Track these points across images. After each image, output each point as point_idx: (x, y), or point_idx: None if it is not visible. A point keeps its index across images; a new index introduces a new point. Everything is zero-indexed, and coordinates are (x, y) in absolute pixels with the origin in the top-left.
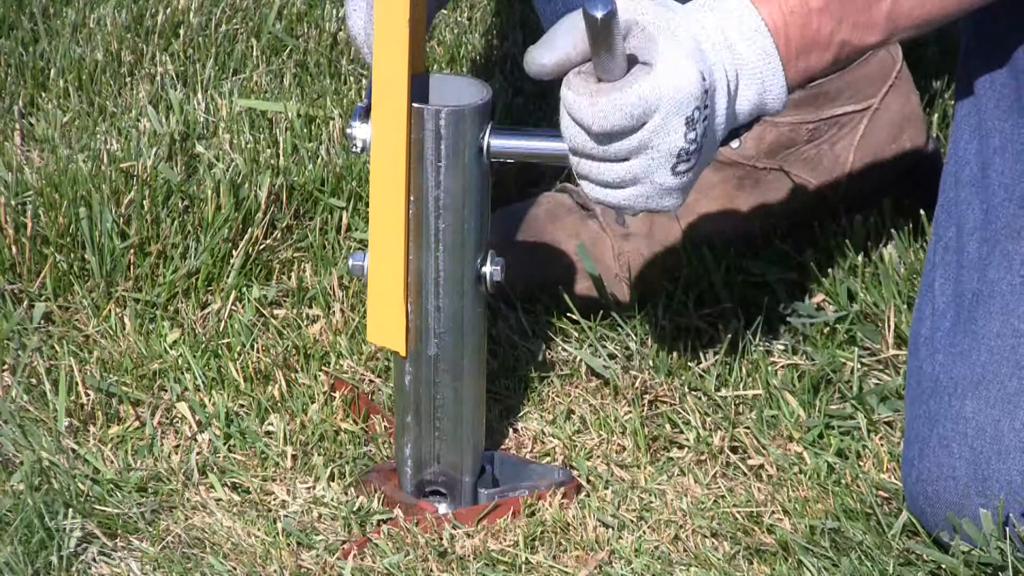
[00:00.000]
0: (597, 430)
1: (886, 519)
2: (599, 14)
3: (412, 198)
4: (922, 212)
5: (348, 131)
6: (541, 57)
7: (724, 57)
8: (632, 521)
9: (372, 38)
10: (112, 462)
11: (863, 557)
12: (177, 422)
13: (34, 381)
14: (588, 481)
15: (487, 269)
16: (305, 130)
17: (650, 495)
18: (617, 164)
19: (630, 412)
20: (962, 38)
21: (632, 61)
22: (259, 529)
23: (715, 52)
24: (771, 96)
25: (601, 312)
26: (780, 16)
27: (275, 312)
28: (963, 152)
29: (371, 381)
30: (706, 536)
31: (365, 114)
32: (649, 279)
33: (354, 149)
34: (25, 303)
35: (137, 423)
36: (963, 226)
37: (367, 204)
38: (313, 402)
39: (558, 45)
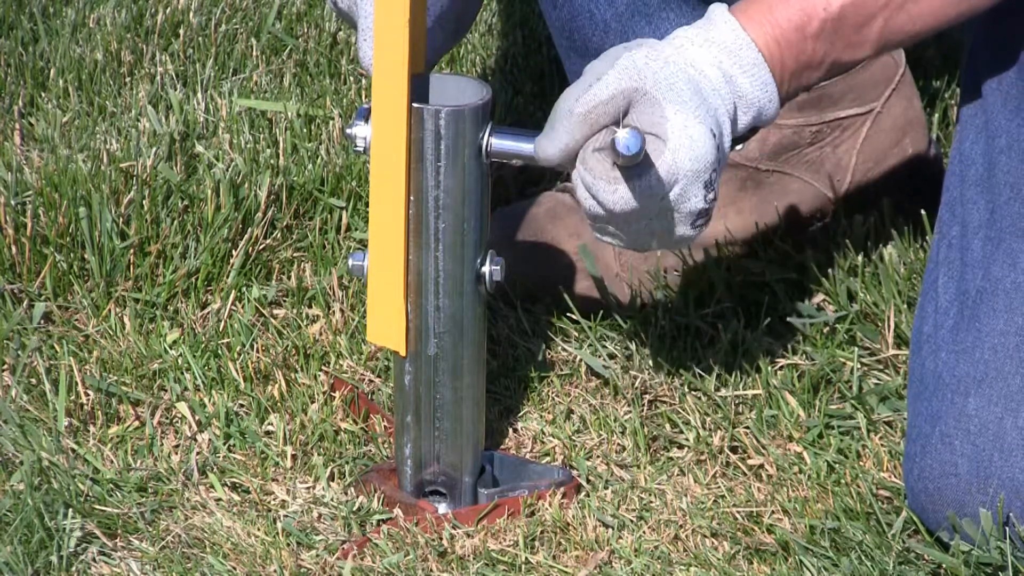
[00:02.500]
0: (597, 430)
1: (886, 519)
2: (635, 152)
3: (412, 198)
4: (923, 213)
5: (348, 131)
6: (546, 150)
7: (725, 96)
8: (632, 521)
9: None
10: (112, 462)
11: (863, 557)
12: (177, 422)
13: (34, 381)
14: (588, 481)
15: (487, 269)
16: (305, 130)
17: (650, 495)
18: (636, 224)
19: (630, 412)
20: (967, 38)
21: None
22: (259, 529)
23: (716, 95)
24: (766, 116)
25: (601, 312)
26: (776, 45)
27: (275, 312)
28: (968, 151)
29: (371, 381)
30: (706, 536)
31: (368, 116)
32: (649, 279)
33: (356, 148)
34: (25, 303)
35: (137, 423)
36: (968, 224)
37: (367, 204)
38: (313, 402)
39: (560, 137)
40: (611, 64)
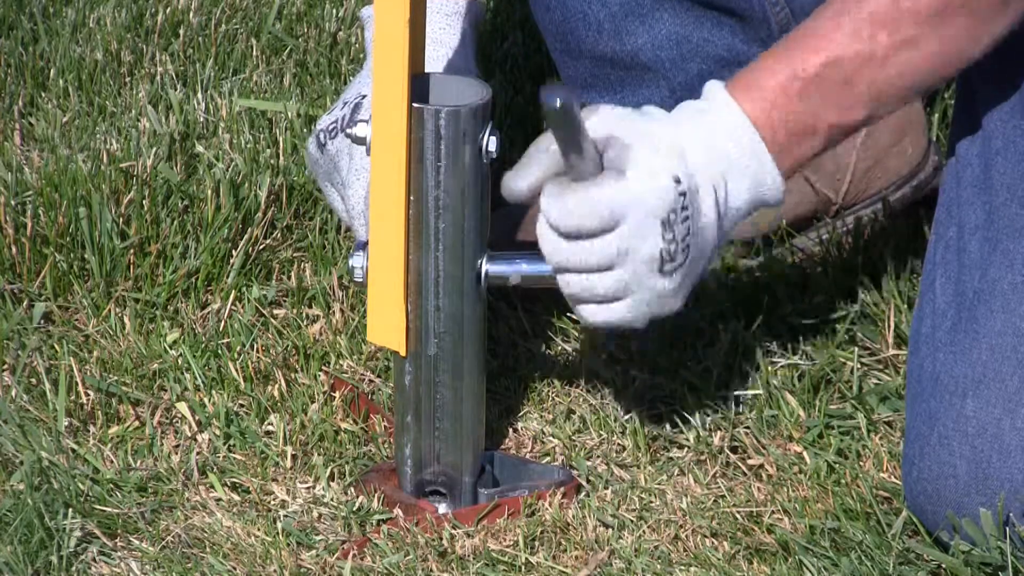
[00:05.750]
0: (597, 430)
1: (886, 519)
2: (556, 104)
3: (412, 198)
4: (921, 213)
5: (349, 261)
6: (514, 183)
7: (710, 157)
8: (632, 521)
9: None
10: (112, 462)
11: (863, 557)
12: (177, 422)
13: (34, 381)
14: (588, 481)
15: (485, 269)
16: (305, 130)
17: (650, 495)
18: (604, 275)
19: (630, 412)
20: None
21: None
22: (259, 529)
23: (696, 154)
24: (767, 189)
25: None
26: (763, 110)
27: (275, 312)
28: (965, 153)
29: (371, 381)
30: (706, 536)
31: (365, 247)
32: None
33: (356, 280)
34: (25, 303)
35: (137, 423)
36: (964, 226)
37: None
38: (313, 402)
39: (531, 171)
40: (596, 112)
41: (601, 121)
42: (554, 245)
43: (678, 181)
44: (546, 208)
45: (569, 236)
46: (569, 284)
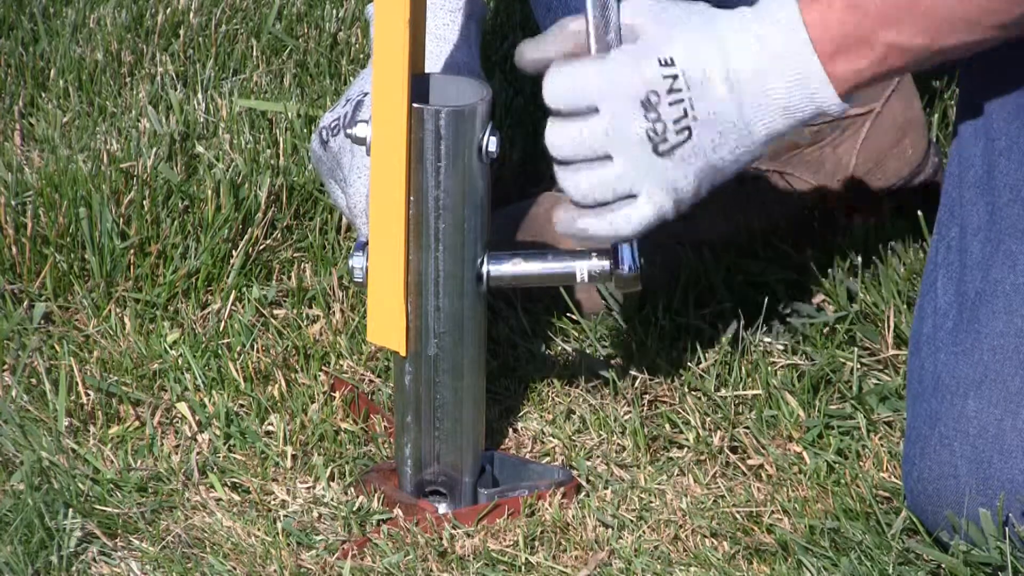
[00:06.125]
0: (597, 430)
1: (886, 519)
2: None
3: (412, 198)
4: (920, 213)
5: (348, 262)
6: (527, 51)
7: (734, 49)
8: (632, 521)
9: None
10: (112, 462)
11: (863, 557)
12: (177, 422)
13: (34, 381)
14: (588, 481)
15: (486, 269)
16: (305, 130)
17: (650, 495)
18: (605, 165)
19: (630, 412)
20: None
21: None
22: (259, 529)
23: (716, 46)
24: (815, 92)
25: (601, 312)
26: (819, 12)
27: (275, 312)
28: (968, 153)
29: (371, 381)
30: (706, 536)
31: (365, 247)
32: (649, 279)
33: (356, 279)
34: (25, 303)
35: (137, 423)
36: (967, 226)
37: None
38: (313, 402)
39: (546, 45)
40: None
41: (635, 9)
42: (554, 130)
43: (666, 63)
44: (543, 86)
45: (561, 115)
46: (579, 186)
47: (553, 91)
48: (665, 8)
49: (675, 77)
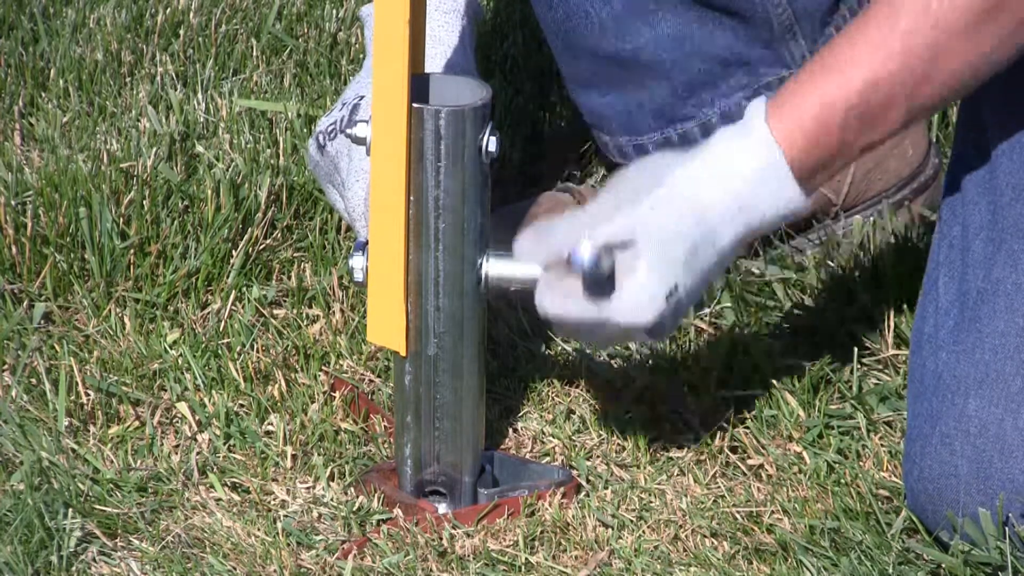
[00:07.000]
0: (597, 430)
1: (886, 518)
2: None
3: (412, 198)
4: (920, 213)
5: (348, 261)
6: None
7: (731, 209)
8: (632, 521)
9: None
10: (112, 462)
11: (863, 557)
12: (177, 422)
13: (34, 381)
14: (588, 481)
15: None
16: (305, 130)
17: (650, 495)
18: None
19: (630, 412)
20: None
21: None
22: (259, 529)
23: (721, 222)
24: (789, 212)
25: None
26: (800, 146)
27: (275, 312)
28: (969, 152)
29: (371, 381)
30: (706, 536)
31: (365, 247)
32: None
33: (356, 280)
34: (25, 303)
35: (137, 423)
36: (969, 225)
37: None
38: (313, 402)
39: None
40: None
41: (624, 223)
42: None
43: (671, 293)
44: (540, 297)
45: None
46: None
47: (559, 316)
48: (659, 222)
49: (672, 293)
